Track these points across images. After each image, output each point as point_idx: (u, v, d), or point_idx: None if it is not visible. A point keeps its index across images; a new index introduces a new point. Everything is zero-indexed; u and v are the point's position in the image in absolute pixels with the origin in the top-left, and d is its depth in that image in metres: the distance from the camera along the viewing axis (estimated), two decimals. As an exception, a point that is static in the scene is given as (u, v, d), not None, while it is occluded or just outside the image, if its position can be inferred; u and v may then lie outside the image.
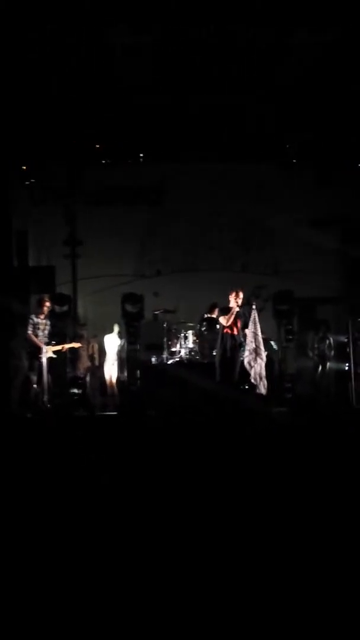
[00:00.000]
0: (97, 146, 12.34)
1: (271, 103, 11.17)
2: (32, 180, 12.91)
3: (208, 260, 13.57)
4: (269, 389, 10.04)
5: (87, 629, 2.59)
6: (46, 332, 10.05)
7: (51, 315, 10.35)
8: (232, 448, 6.07)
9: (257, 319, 10.02)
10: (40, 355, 9.85)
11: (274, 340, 11.57)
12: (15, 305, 11.61)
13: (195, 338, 11.63)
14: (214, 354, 10.44)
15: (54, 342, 10.16)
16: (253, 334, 9.96)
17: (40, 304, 10.17)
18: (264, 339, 10.80)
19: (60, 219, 13.28)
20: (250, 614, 2.68)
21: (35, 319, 10.02)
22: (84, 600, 2.80)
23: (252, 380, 9.92)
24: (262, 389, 9.91)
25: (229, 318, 9.75)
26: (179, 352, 11.62)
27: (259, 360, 9.90)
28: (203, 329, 11.60)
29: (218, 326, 10.20)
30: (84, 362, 11.78)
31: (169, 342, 11.79)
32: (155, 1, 8.63)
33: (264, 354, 10.03)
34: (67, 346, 10.58)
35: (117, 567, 3.13)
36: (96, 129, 11.88)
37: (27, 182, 12.84)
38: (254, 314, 10.01)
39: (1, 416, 10.09)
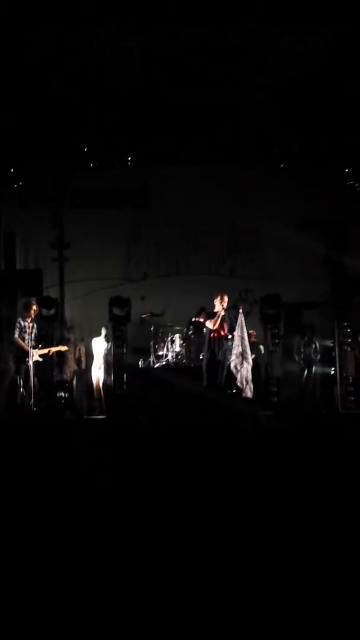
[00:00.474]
0: (85, 149, 12.36)
1: (258, 106, 11.23)
2: (20, 183, 12.90)
3: (195, 263, 13.61)
4: (255, 392, 10.08)
5: (86, 629, 2.61)
6: (33, 335, 10.01)
7: (38, 319, 10.32)
8: (218, 452, 6.10)
9: (243, 323, 10.06)
10: (27, 359, 9.81)
11: (262, 344, 11.63)
12: (2, 309, 11.59)
13: (182, 342, 11.66)
14: (201, 357, 10.47)
15: (40, 346, 10.13)
16: (240, 337, 9.99)
17: (27, 307, 10.13)
18: (253, 343, 10.86)
19: (48, 222, 13.30)
20: (246, 615, 2.71)
21: (22, 322, 9.98)
22: (75, 605, 2.82)
23: (239, 384, 9.96)
24: (249, 392, 9.95)
25: (215, 322, 9.79)
26: (166, 355, 11.65)
27: (245, 364, 9.94)
28: (190, 332, 11.64)
29: (205, 330, 10.24)
30: (71, 366, 11.76)
31: (156, 346, 11.81)
32: (142, 6, 8.67)
33: (250, 357, 10.07)
34: (53, 349, 10.55)
35: (105, 572, 3.15)
36: (83, 132, 11.90)
37: (14, 185, 12.83)
38: (241, 318, 10.05)
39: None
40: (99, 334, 11.82)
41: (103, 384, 11.65)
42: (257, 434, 7.84)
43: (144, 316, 12.34)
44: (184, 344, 11.64)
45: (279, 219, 12.84)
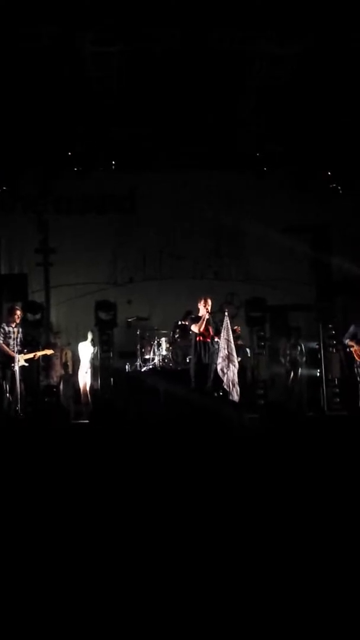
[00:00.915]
0: (69, 154, 12.34)
1: (243, 111, 11.27)
2: (4, 188, 12.86)
3: (180, 267, 13.62)
4: (241, 395, 10.10)
5: (85, 630, 2.60)
6: (18, 340, 9.98)
7: (23, 324, 10.29)
8: (205, 454, 6.10)
9: (229, 326, 10.08)
10: (12, 364, 9.79)
11: (249, 347, 11.67)
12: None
13: (168, 345, 11.67)
14: (188, 360, 10.47)
15: (26, 351, 10.10)
16: (226, 340, 10.00)
17: (12, 312, 10.09)
18: (240, 346, 10.88)
19: (33, 226, 13.26)
20: (242, 616, 2.71)
21: (7, 328, 9.94)
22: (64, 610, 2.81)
23: (225, 387, 9.97)
24: (235, 395, 9.97)
25: (200, 325, 9.81)
26: (153, 359, 11.65)
27: (231, 366, 9.95)
28: (176, 336, 11.65)
29: (191, 333, 10.26)
30: (57, 370, 11.75)
31: (143, 350, 11.80)
32: (122, 10, 8.68)
33: (236, 360, 10.09)
34: (39, 353, 10.52)
35: (98, 576, 3.14)
36: (68, 136, 11.89)
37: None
38: (226, 321, 10.07)
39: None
40: (85, 339, 11.82)
41: (90, 388, 11.64)
42: (243, 437, 7.85)
43: (130, 320, 12.34)
44: (171, 348, 11.65)
45: (264, 223, 12.90)
